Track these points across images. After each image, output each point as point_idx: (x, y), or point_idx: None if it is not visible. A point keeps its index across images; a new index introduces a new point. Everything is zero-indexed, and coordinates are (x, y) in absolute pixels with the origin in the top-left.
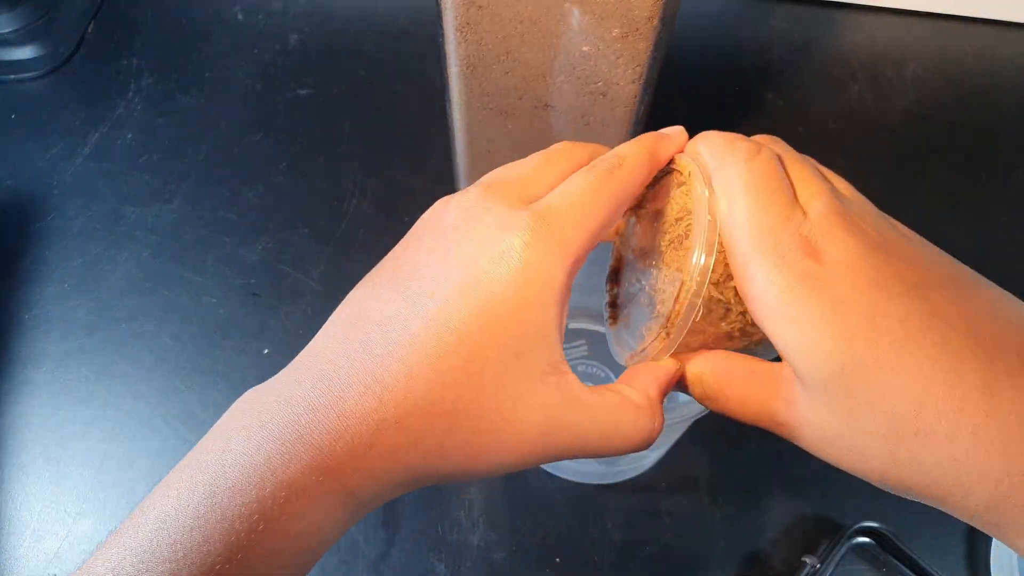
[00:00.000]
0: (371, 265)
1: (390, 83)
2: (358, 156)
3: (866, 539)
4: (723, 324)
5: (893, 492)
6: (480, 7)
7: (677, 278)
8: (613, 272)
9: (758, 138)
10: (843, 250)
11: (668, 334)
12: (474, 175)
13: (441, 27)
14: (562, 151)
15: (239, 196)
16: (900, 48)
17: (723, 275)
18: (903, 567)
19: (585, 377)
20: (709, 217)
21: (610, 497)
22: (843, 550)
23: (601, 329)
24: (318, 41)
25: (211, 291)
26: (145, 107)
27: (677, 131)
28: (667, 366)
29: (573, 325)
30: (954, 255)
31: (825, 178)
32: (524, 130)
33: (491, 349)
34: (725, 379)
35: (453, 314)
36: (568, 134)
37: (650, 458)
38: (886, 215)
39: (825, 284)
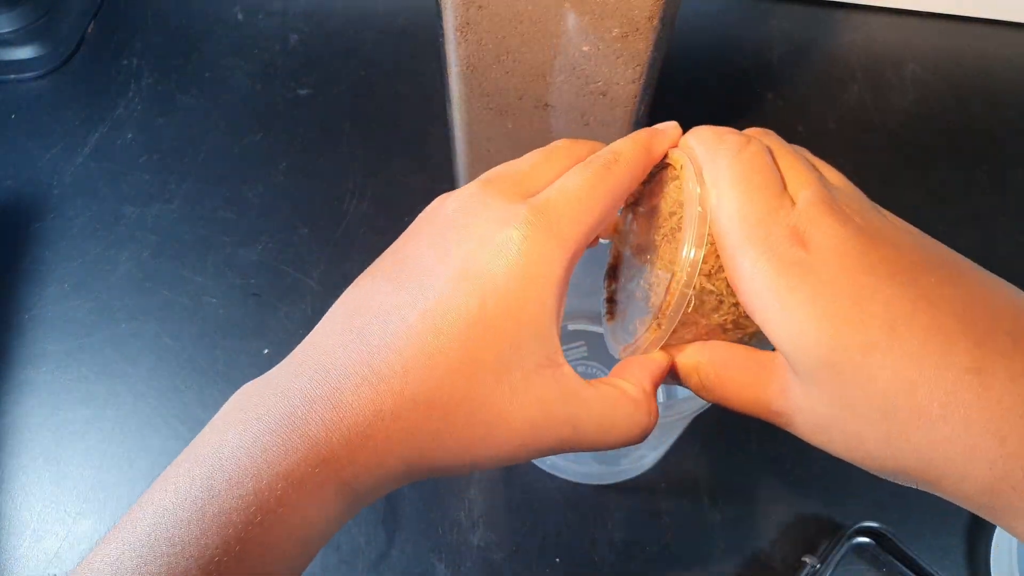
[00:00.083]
0: (371, 265)
1: (390, 83)
2: (358, 156)
3: (866, 539)
4: (716, 316)
5: (890, 478)
6: (480, 7)
7: (669, 270)
8: (611, 269)
9: (749, 131)
10: (830, 237)
11: (659, 325)
12: (474, 175)
13: (441, 27)
14: (561, 148)
15: (239, 196)
16: (900, 48)
17: (714, 267)
18: (903, 567)
19: (585, 378)
20: (699, 209)
21: (610, 497)
22: (843, 550)
23: (600, 330)
24: (318, 41)
25: (211, 291)
26: (145, 107)
27: (671, 126)
28: (658, 358)
29: (573, 326)
30: None
31: (814, 168)
32: (524, 130)
33: (488, 341)
34: (721, 368)
35: (451, 306)
36: (568, 134)
37: (650, 457)
38: (876, 205)
39: (812, 271)
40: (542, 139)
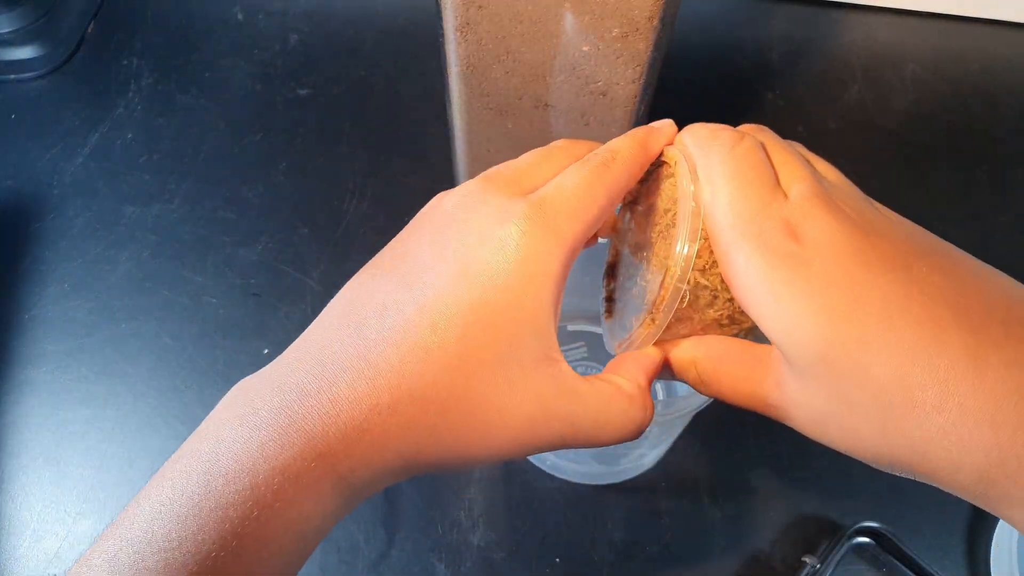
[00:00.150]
0: (369, 261)
1: (390, 83)
2: (358, 156)
3: (866, 539)
4: (711, 311)
5: (887, 470)
6: (480, 7)
7: (664, 266)
8: (610, 268)
9: (744, 127)
10: (823, 230)
11: (654, 320)
12: (474, 175)
13: (441, 27)
14: (560, 147)
15: (239, 196)
16: (900, 48)
17: (709, 262)
18: (903, 567)
19: None
20: (693, 204)
21: (610, 497)
22: (843, 550)
23: (600, 331)
24: (318, 41)
25: (211, 291)
26: (145, 107)
27: (666, 124)
28: (651, 354)
29: (573, 327)
30: None
31: (807, 162)
32: (524, 130)
33: (486, 336)
34: (718, 362)
35: (449, 301)
36: (568, 134)
37: (650, 457)
38: (870, 198)
39: (806, 264)
40: (542, 139)
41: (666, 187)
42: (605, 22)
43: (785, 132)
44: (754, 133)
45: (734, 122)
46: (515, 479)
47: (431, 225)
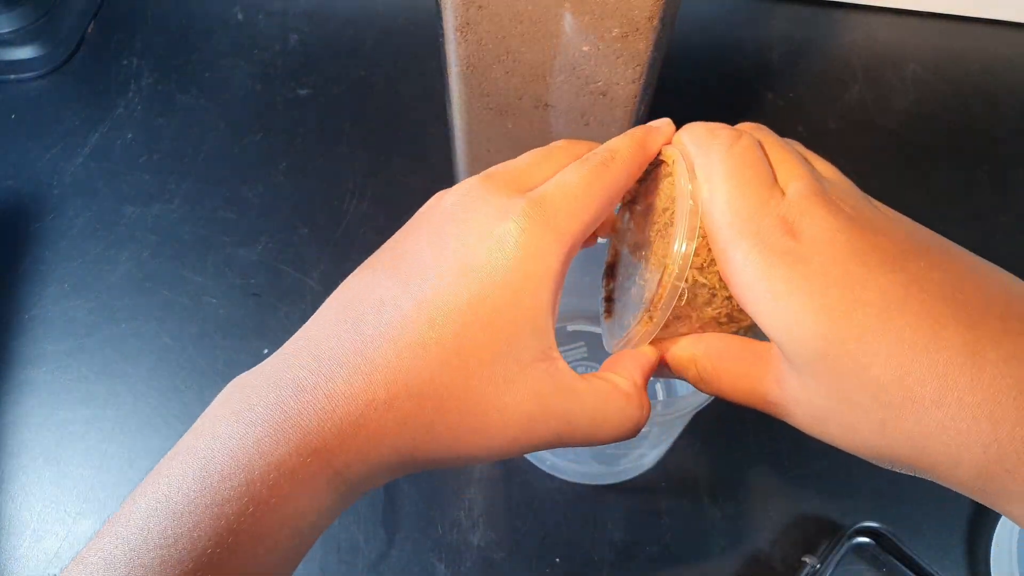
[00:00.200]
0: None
1: (390, 83)
2: (358, 156)
3: (866, 539)
4: (709, 309)
5: (887, 466)
6: (480, 7)
7: (662, 264)
8: (609, 268)
9: (741, 126)
10: (820, 227)
11: (651, 318)
12: (474, 175)
13: (441, 27)
14: (560, 147)
15: (239, 196)
16: (900, 48)
17: (707, 260)
18: (903, 567)
19: None
20: (690, 203)
21: (610, 497)
22: (843, 550)
23: (600, 331)
24: (318, 41)
25: (211, 291)
26: (145, 107)
27: (664, 123)
28: (647, 352)
29: (572, 327)
30: None
31: (805, 160)
32: (524, 130)
33: (484, 333)
34: (717, 359)
35: (448, 298)
36: (568, 134)
37: (650, 457)
38: (868, 196)
39: (803, 260)
40: (542, 139)
41: (664, 186)
42: (605, 22)
43: (785, 132)
44: (752, 132)
45: (734, 122)
46: (515, 479)
47: (430, 223)
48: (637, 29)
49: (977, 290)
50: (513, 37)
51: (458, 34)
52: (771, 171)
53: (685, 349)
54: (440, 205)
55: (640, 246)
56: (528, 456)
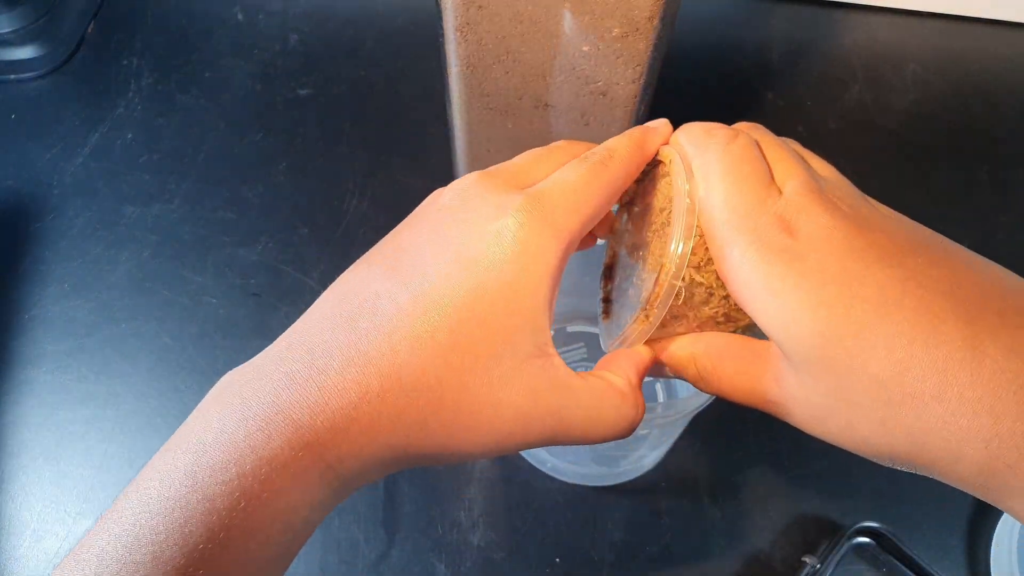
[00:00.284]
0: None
1: (390, 83)
2: (358, 156)
3: (866, 539)
4: (706, 309)
5: (887, 464)
6: (480, 7)
7: (659, 264)
8: (607, 269)
9: (738, 125)
10: (818, 225)
11: (647, 316)
12: None
13: (441, 27)
14: (559, 147)
15: (239, 196)
16: (900, 48)
17: (704, 259)
18: (903, 567)
19: None
20: (687, 202)
21: (610, 497)
22: (843, 550)
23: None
24: (318, 41)
25: (211, 291)
26: (145, 107)
27: (662, 123)
28: (642, 351)
29: (572, 328)
30: None
31: (802, 158)
32: (524, 130)
33: (479, 328)
34: (717, 358)
35: (444, 292)
36: (568, 134)
37: (650, 458)
38: (865, 195)
39: (800, 257)
40: (542, 139)
41: (662, 186)
42: (605, 22)
43: (785, 132)
44: (749, 131)
45: (733, 122)
46: (515, 479)
47: (428, 218)
48: (637, 29)
49: (974, 285)
50: (513, 37)
51: (458, 34)
52: (768, 169)
53: (684, 348)
54: (438, 201)
55: (638, 247)
56: (528, 458)
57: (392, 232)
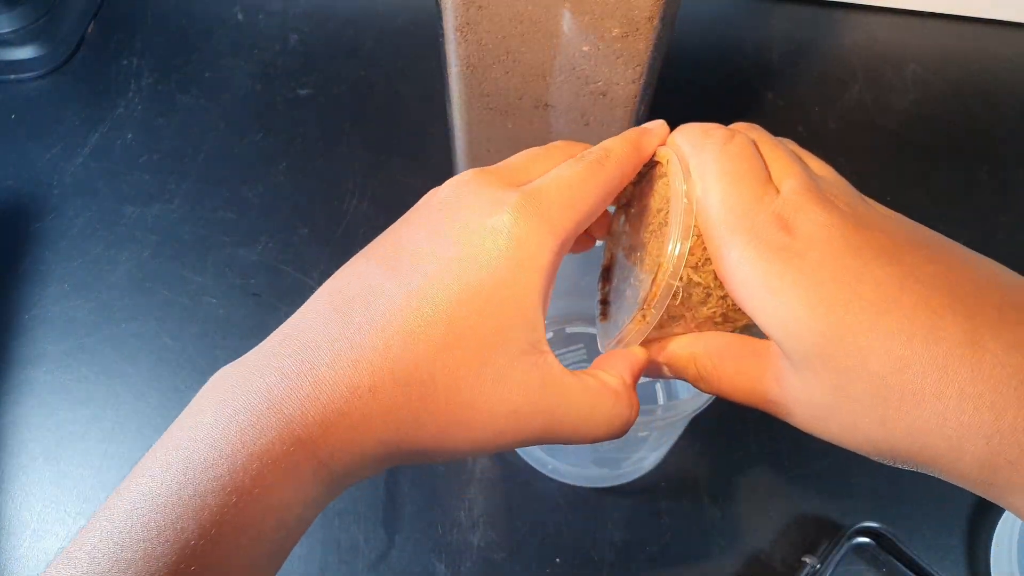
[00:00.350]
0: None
1: (390, 83)
2: (358, 156)
3: (866, 539)
4: (704, 309)
5: (888, 463)
6: (480, 7)
7: (656, 264)
8: (605, 271)
9: (735, 126)
10: (816, 223)
11: (644, 316)
12: None
13: (441, 27)
14: (556, 146)
15: (239, 196)
16: (900, 48)
17: (701, 259)
18: (903, 567)
19: None
20: (685, 201)
21: (610, 497)
22: (843, 550)
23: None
24: (318, 41)
25: (211, 291)
26: (145, 107)
27: (658, 124)
28: (637, 352)
29: (571, 329)
30: None
31: (799, 158)
32: (524, 130)
33: (473, 324)
34: (717, 358)
35: (438, 287)
36: (568, 134)
37: (650, 459)
38: (862, 195)
39: (798, 255)
40: (542, 139)
41: (659, 187)
42: (605, 22)
43: (785, 132)
44: (746, 131)
45: (733, 122)
46: (515, 480)
47: (423, 214)
48: (637, 29)
49: (972, 282)
50: (513, 37)
51: (458, 34)
52: (765, 169)
53: (685, 347)
54: (434, 198)
55: (635, 248)
56: (529, 460)
57: (388, 229)
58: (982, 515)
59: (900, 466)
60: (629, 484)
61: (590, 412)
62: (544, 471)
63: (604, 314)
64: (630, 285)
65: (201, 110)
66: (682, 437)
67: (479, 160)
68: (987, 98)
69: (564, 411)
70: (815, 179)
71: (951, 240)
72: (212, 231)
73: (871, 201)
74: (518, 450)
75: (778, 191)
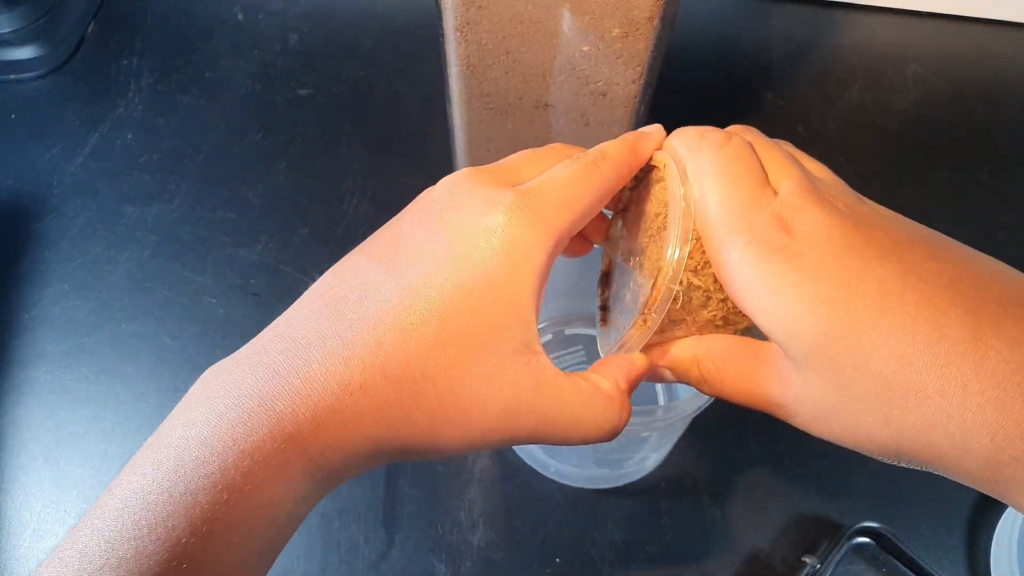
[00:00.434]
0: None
1: (390, 83)
2: (358, 156)
3: (866, 539)
4: (704, 312)
5: (892, 462)
6: (480, 7)
7: (656, 268)
8: (603, 276)
9: (731, 128)
10: (815, 222)
11: (645, 321)
12: None
13: (441, 27)
14: (553, 148)
15: (239, 196)
16: (900, 48)
17: (701, 262)
18: (903, 567)
19: None
20: (683, 205)
21: (610, 497)
22: (843, 550)
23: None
24: (318, 41)
25: (211, 291)
26: (145, 107)
27: (655, 128)
28: (636, 359)
29: (571, 331)
30: None
31: (796, 159)
32: (524, 130)
33: (465, 322)
34: (720, 360)
35: (431, 284)
36: (568, 134)
37: (651, 460)
38: (860, 195)
39: (798, 255)
40: (542, 139)
41: (656, 191)
42: (605, 22)
43: (785, 132)
44: (742, 133)
45: (733, 122)
46: (515, 479)
47: (418, 213)
48: (637, 29)
49: (974, 279)
50: (513, 37)
51: (458, 34)
52: (763, 170)
53: (687, 350)
54: (429, 196)
55: (634, 253)
56: (530, 461)
57: (383, 226)
58: (982, 515)
59: (904, 465)
60: (629, 484)
61: (581, 414)
62: (546, 473)
63: (604, 320)
64: (630, 290)
65: (201, 110)
66: (682, 437)
67: (479, 160)
68: (988, 98)
69: (557, 412)
70: (813, 180)
71: (951, 239)
72: (212, 231)
73: (869, 201)
74: (519, 452)
75: (776, 192)
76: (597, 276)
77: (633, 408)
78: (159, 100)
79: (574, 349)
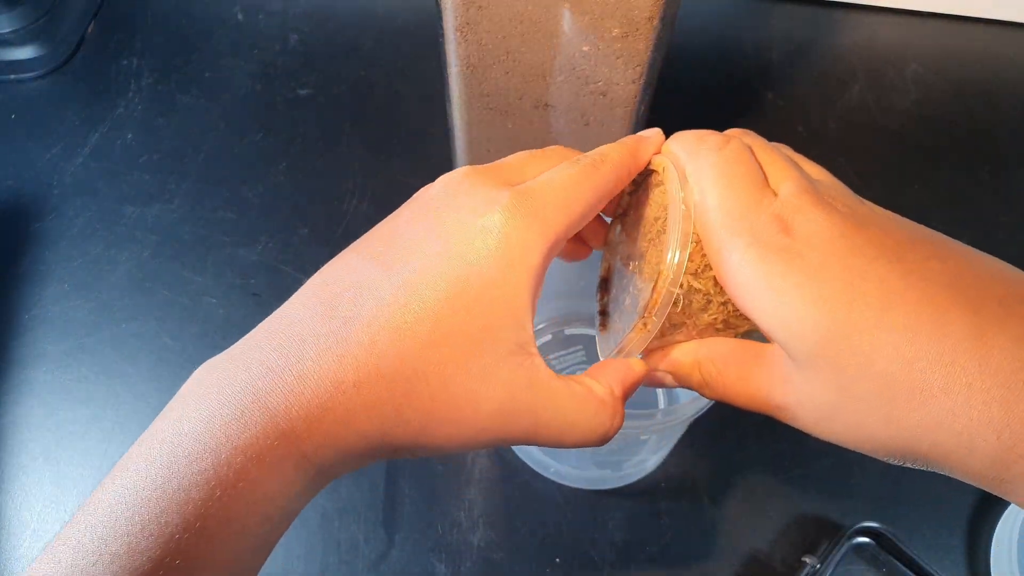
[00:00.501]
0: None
1: (390, 83)
2: (358, 156)
3: (866, 539)
4: (705, 315)
5: (897, 462)
6: (480, 7)
7: (655, 272)
8: (603, 282)
9: (729, 132)
10: (815, 223)
11: (645, 324)
12: None
13: (441, 27)
14: (552, 150)
15: (239, 196)
16: (900, 48)
17: (701, 265)
18: (903, 567)
19: None
20: (683, 208)
21: (610, 498)
22: (843, 550)
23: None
24: (318, 41)
25: (211, 291)
26: (145, 107)
27: (654, 132)
28: (633, 365)
29: (570, 331)
30: None
31: (794, 162)
32: (524, 130)
33: (460, 321)
34: (722, 363)
35: (426, 283)
36: (568, 134)
37: (652, 461)
38: (859, 197)
39: (799, 255)
40: (542, 140)
41: (655, 195)
42: (605, 22)
43: (785, 132)
44: (740, 136)
45: (734, 122)
46: (515, 479)
47: (415, 211)
48: (637, 29)
49: (975, 277)
50: (513, 37)
51: (458, 34)
52: (762, 172)
53: (688, 355)
54: (428, 193)
55: (633, 257)
56: (530, 462)
57: (379, 224)
58: (982, 515)
59: (907, 465)
60: (629, 485)
61: (573, 418)
62: (546, 474)
63: (603, 324)
64: (629, 294)
65: (201, 110)
66: (682, 438)
67: (479, 160)
68: (988, 98)
69: (550, 415)
70: (812, 182)
71: (951, 238)
72: (212, 231)
73: (869, 203)
74: (519, 453)
75: (775, 194)
76: (597, 274)
77: (632, 411)
78: (159, 100)
79: (574, 349)
